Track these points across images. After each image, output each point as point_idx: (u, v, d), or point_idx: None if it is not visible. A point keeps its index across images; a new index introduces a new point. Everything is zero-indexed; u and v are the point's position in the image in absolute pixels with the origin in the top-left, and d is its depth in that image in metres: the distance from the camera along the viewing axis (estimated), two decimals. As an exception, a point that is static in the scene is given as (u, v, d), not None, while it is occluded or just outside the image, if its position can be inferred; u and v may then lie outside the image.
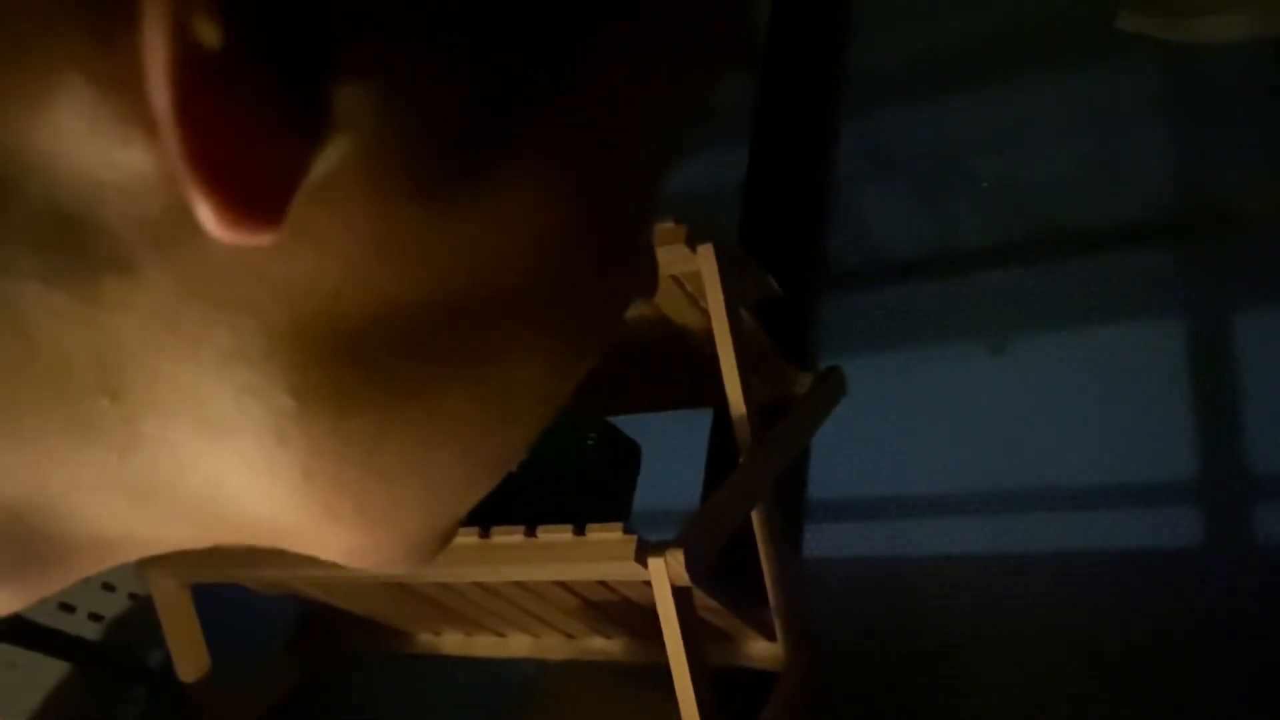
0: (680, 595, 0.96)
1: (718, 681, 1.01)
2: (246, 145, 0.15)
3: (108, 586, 1.49)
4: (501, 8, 0.18)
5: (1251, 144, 1.51)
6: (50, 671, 1.40)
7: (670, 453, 1.38)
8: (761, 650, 1.20)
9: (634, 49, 0.20)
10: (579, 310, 0.22)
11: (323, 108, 0.16)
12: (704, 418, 1.52)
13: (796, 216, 1.65)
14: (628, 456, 1.28)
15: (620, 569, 0.98)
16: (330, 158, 0.17)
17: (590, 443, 1.24)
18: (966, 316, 1.65)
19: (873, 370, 1.55)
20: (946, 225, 1.72)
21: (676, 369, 1.31)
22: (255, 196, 0.15)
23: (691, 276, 1.13)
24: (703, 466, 1.51)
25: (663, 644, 0.98)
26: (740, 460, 1.09)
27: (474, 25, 0.18)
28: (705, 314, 1.14)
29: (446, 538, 0.25)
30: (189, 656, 1.30)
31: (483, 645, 1.39)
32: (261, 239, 0.15)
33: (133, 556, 0.22)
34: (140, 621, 1.47)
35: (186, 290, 0.17)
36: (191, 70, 0.14)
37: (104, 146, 0.15)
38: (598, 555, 0.99)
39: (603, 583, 1.11)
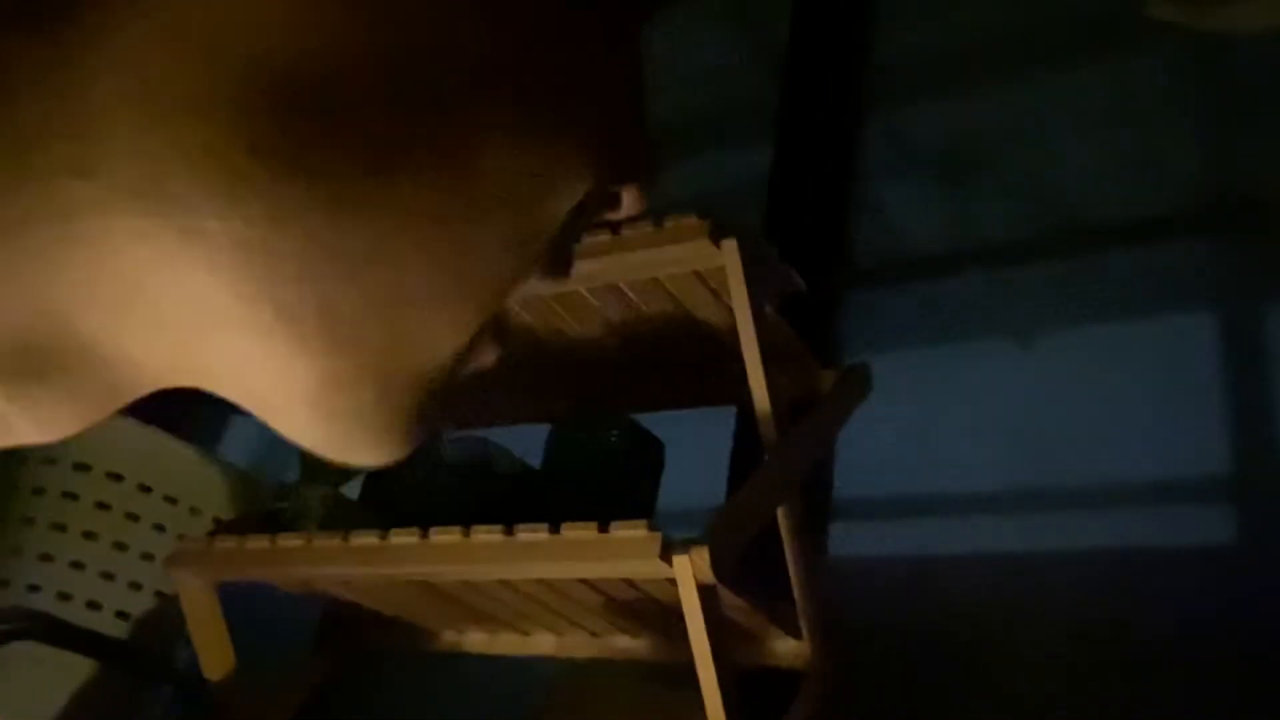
0: (705, 593, 0.95)
1: (743, 680, 1.01)
2: None
3: (134, 585, 1.50)
4: None
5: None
6: (77, 669, 1.40)
7: (694, 450, 1.37)
8: (787, 649, 1.19)
9: None
10: (559, 100, 0.20)
11: None
12: (728, 414, 1.51)
13: (821, 211, 1.64)
14: (651, 453, 1.27)
15: (645, 567, 0.98)
16: None
17: (614, 440, 1.23)
18: (993, 312, 1.63)
19: (899, 366, 1.54)
20: (972, 219, 1.70)
21: (700, 365, 1.31)
22: None
23: (715, 272, 1.12)
24: (727, 464, 1.50)
25: (687, 642, 0.97)
26: (765, 458, 1.08)
27: None
28: (729, 310, 1.13)
29: (424, 407, 0.23)
30: (214, 655, 1.30)
31: (506, 643, 1.39)
32: None
33: (133, 392, 0.21)
34: (167, 620, 1.48)
35: (154, 30, 0.17)
36: None
37: None
38: (622, 552, 0.99)
39: (627, 580, 1.10)
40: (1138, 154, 1.60)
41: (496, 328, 0.24)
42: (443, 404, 0.24)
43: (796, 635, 1.17)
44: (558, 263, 0.24)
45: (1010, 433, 1.54)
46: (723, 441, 1.51)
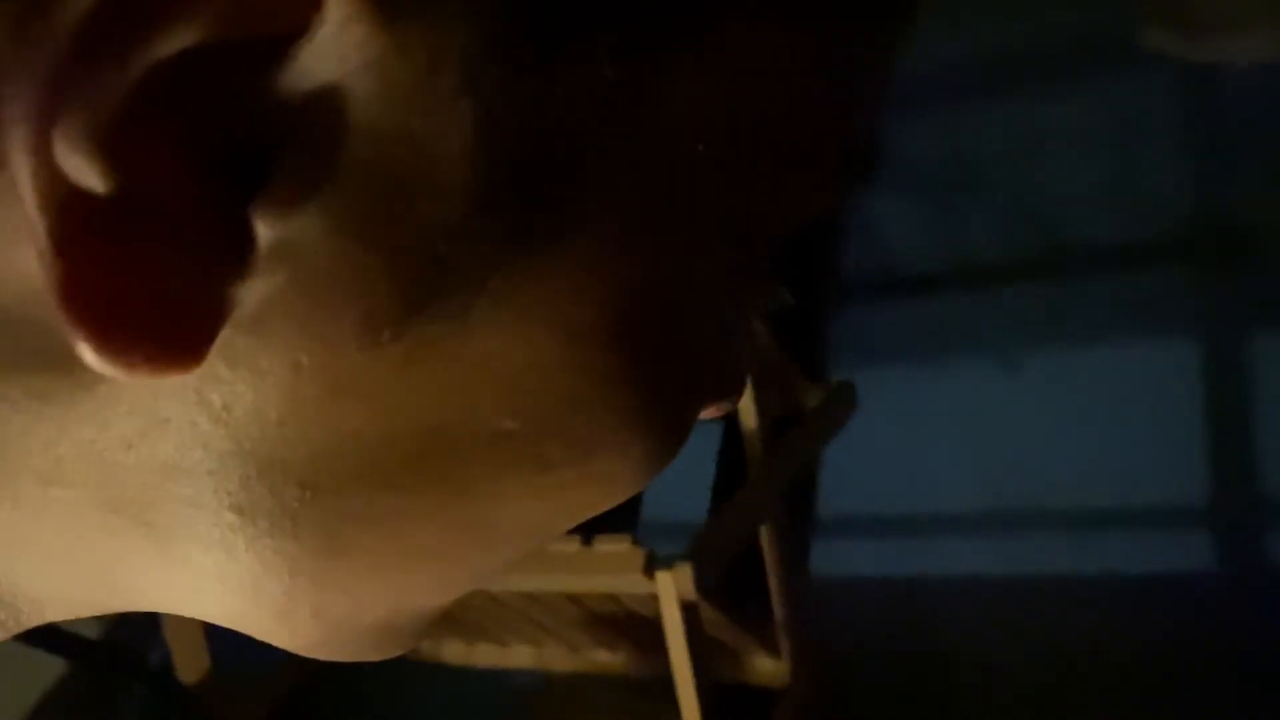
0: (687, 609, 0.95)
1: (721, 697, 1.00)
2: (149, 280, 0.14)
3: (109, 583, 1.48)
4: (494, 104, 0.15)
5: (1270, 166, 1.50)
6: (49, 668, 1.39)
7: (678, 462, 1.37)
8: (766, 666, 1.19)
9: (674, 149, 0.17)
10: (597, 450, 0.19)
11: (244, 240, 0.15)
12: (713, 427, 1.51)
13: (812, 226, 1.64)
14: None
15: (628, 582, 0.97)
16: (261, 290, 0.15)
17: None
18: (980, 332, 1.64)
19: (885, 384, 1.54)
20: (962, 239, 1.71)
21: (687, 379, 1.30)
22: (161, 332, 0.14)
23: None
24: (711, 476, 1.50)
25: (667, 658, 0.97)
26: (750, 473, 1.08)
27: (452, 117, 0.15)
28: (718, 325, 1.13)
29: (426, 626, 0.23)
30: (190, 657, 1.29)
31: (484, 654, 1.38)
32: (172, 373, 0.15)
33: (124, 608, 0.22)
34: (141, 620, 1.46)
35: (128, 402, 0.16)
36: (70, 214, 0.13)
37: (14, 255, 0.14)
38: (605, 567, 0.98)
39: (609, 594, 1.10)
40: (1127, 180, 1.61)
41: None
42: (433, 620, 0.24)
43: (776, 653, 1.17)
44: None
45: (994, 454, 1.54)
46: (707, 455, 1.50)
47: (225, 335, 0.15)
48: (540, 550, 1.01)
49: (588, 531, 1.01)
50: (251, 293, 0.15)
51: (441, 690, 1.53)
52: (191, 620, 1.30)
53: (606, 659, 1.30)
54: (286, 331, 0.16)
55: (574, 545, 1.00)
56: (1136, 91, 1.59)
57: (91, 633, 1.44)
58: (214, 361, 0.16)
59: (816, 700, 1.16)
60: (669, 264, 0.18)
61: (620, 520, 1.19)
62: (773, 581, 1.11)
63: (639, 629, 1.17)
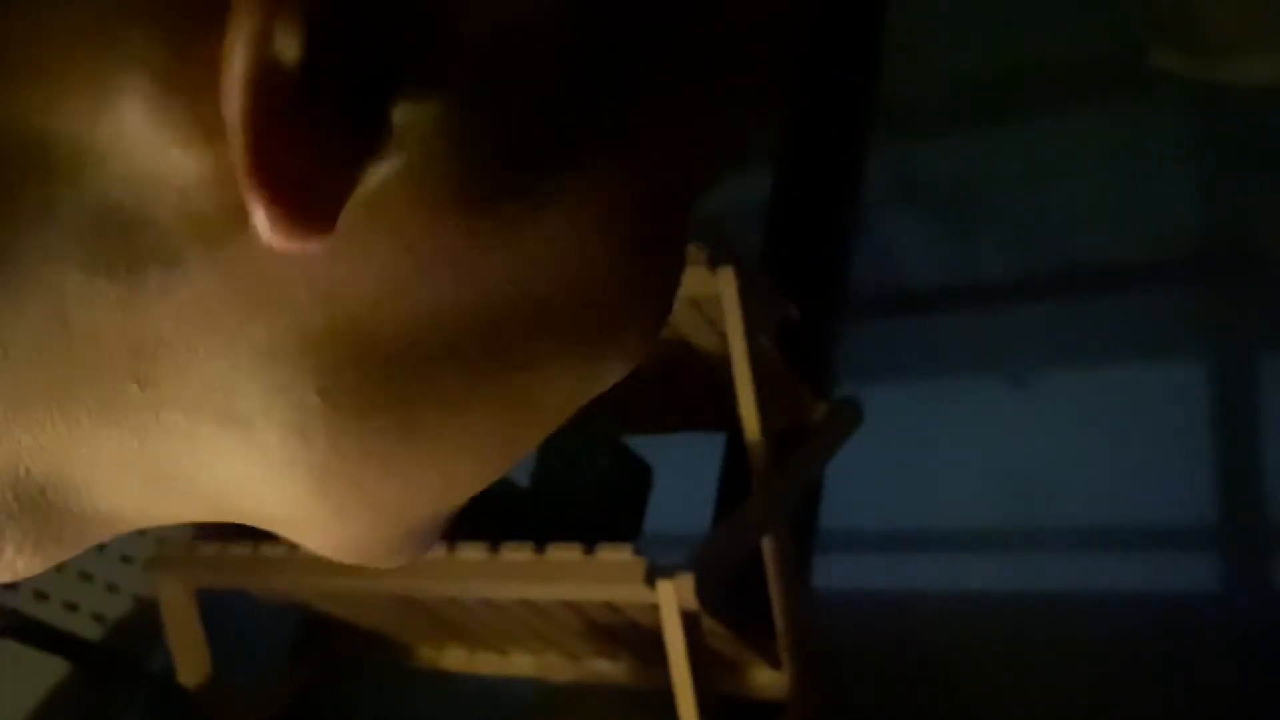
0: (688, 620, 0.95)
1: (721, 709, 1.00)
2: (308, 157, 0.16)
3: (111, 587, 1.48)
4: (571, 33, 0.18)
5: (1278, 187, 1.49)
6: (50, 670, 1.39)
7: (682, 475, 1.37)
8: (767, 679, 1.18)
9: (694, 78, 0.20)
10: (617, 326, 0.22)
11: (383, 123, 0.17)
12: (717, 441, 1.51)
13: (820, 242, 1.64)
14: (639, 477, 1.27)
15: (629, 591, 0.97)
16: (385, 170, 0.17)
17: (602, 462, 1.23)
18: (987, 350, 1.64)
19: (890, 400, 1.54)
20: (971, 258, 1.71)
21: (691, 391, 1.30)
22: (310, 206, 0.16)
23: (709, 299, 1.12)
24: (714, 490, 1.50)
25: (667, 669, 0.96)
26: (753, 487, 1.07)
27: (541, 49, 0.18)
28: (723, 337, 1.13)
29: (439, 533, 0.25)
30: (191, 661, 1.29)
31: (484, 662, 1.38)
32: (310, 246, 0.16)
33: (140, 526, 0.22)
34: (143, 624, 1.46)
35: (229, 287, 0.17)
36: (267, 83, 0.15)
37: (164, 146, 0.16)
38: (606, 576, 0.98)
39: (610, 604, 1.10)
40: (1137, 200, 1.60)
41: None
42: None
43: (776, 666, 1.16)
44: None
45: (998, 471, 1.54)
46: (711, 468, 1.50)
47: (344, 212, 0.17)
48: (541, 558, 1.01)
49: (589, 541, 1.00)
50: (376, 172, 0.17)
51: (441, 698, 1.53)
52: (192, 623, 1.30)
53: (606, 669, 1.30)
54: (399, 210, 0.18)
55: (575, 554, 1.00)
56: (1146, 112, 1.59)
57: (92, 635, 1.44)
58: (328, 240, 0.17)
59: (817, 714, 1.15)
60: (676, 187, 0.21)
61: (622, 530, 1.19)
62: (774, 594, 1.11)
63: (639, 639, 1.17)
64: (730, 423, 1.15)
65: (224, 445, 0.19)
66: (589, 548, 0.99)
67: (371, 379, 0.19)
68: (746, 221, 1.75)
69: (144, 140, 0.16)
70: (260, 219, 0.16)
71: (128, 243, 0.17)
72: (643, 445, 1.29)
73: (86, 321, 0.17)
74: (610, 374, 0.23)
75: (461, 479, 0.22)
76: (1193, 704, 1.27)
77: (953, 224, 1.73)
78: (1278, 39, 1.30)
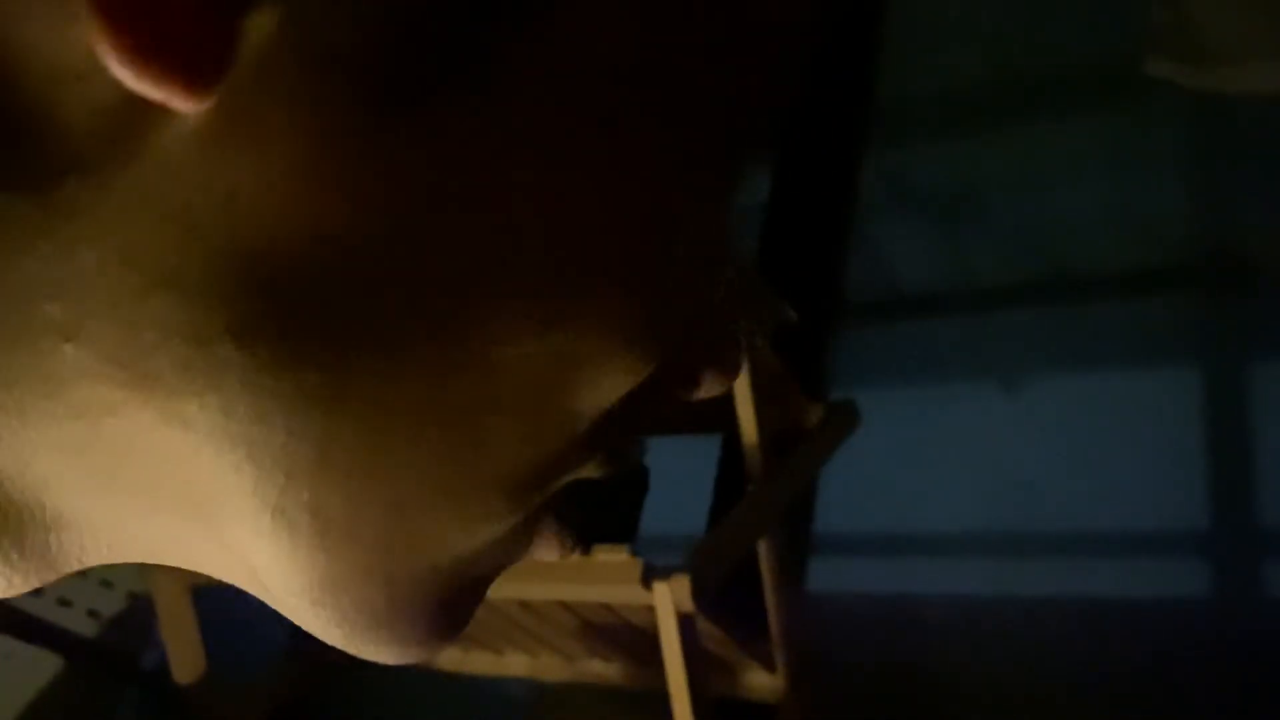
0: (684, 622, 0.95)
1: (716, 711, 1.00)
2: None
3: (106, 584, 1.48)
4: None
5: (1272, 196, 1.50)
6: (45, 666, 1.39)
7: (678, 477, 1.37)
8: (761, 682, 1.18)
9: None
10: (598, 285, 0.18)
11: None
12: (714, 443, 1.51)
13: (817, 245, 1.64)
14: (635, 478, 1.27)
15: (624, 592, 0.97)
16: (270, 27, 0.15)
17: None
18: (982, 355, 1.64)
19: (885, 403, 1.54)
20: (965, 262, 1.72)
21: (688, 393, 1.31)
22: (174, 35, 0.14)
23: (709, 301, 1.12)
24: (710, 492, 1.50)
25: (662, 670, 0.97)
26: (749, 489, 1.08)
27: None
28: (721, 340, 1.13)
29: (448, 604, 0.21)
30: (186, 659, 1.29)
31: (479, 662, 1.38)
32: (188, 95, 0.14)
33: (117, 555, 0.20)
34: (137, 621, 1.46)
35: (137, 197, 0.16)
36: None
37: (57, 22, 0.14)
38: (602, 576, 0.98)
39: (605, 605, 1.10)
40: (1130, 207, 1.61)
41: (556, 511, 0.22)
42: (478, 597, 0.22)
43: (771, 669, 1.17)
44: (617, 450, 0.22)
45: (992, 475, 1.55)
46: (707, 470, 1.51)
47: (231, 85, 0.15)
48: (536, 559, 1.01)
49: (585, 541, 1.01)
50: (257, 30, 0.15)
51: (436, 697, 1.53)
52: (187, 620, 1.30)
53: (601, 670, 1.30)
54: (287, 86, 0.15)
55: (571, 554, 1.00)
56: (1140, 120, 1.59)
57: (87, 632, 1.44)
58: (221, 127, 0.15)
59: (812, 716, 1.15)
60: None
61: (618, 531, 1.19)
62: (769, 596, 1.11)
63: (635, 640, 1.17)
64: (727, 424, 1.16)
65: (150, 422, 0.17)
66: (585, 548, 0.99)
67: (286, 317, 0.17)
68: (743, 224, 1.75)
69: (38, 18, 0.14)
70: (104, 38, 0.14)
71: (45, 152, 0.15)
72: (639, 446, 1.29)
73: (16, 256, 0.16)
74: (604, 366, 0.19)
75: (417, 497, 0.19)
76: (1182, 711, 1.27)
77: (948, 229, 1.74)
78: (1272, 48, 1.31)
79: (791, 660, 1.15)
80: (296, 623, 0.21)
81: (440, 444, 0.18)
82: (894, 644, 1.42)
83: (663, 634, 0.95)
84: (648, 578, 0.95)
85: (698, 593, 0.94)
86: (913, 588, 1.52)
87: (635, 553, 0.98)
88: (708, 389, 0.23)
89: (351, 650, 0.21)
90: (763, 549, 1.10)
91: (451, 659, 1.40)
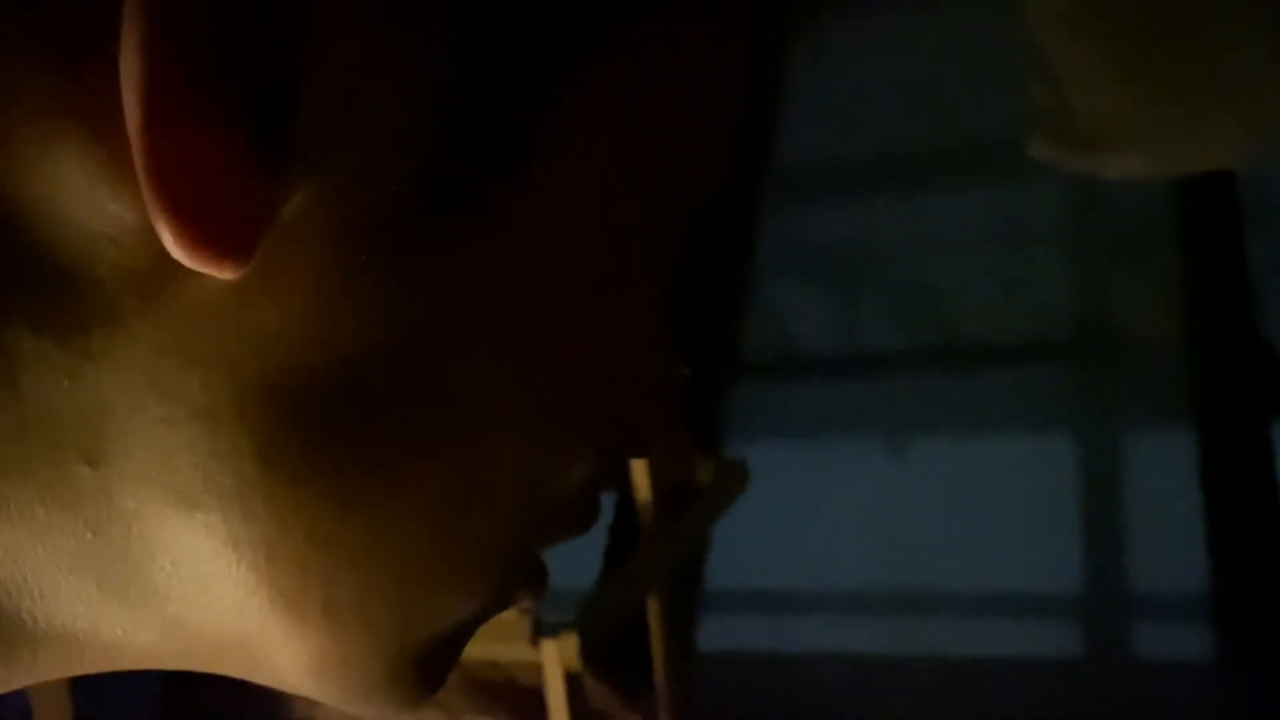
0: (571, 680, 0.94)
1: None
2: (214, 171, 0.15)
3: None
4: (470, 53, 0.17)
5: (1147, 272, 1.58)
6: None
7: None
8: (647, 740, 1.18)
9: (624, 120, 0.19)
10: (573, 393, 0.20)
11: (288, 139, 0.16)
12: (606, 498, 1.51)
13: (714, 304, 1.67)
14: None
15: (512, 650, 0.97)
16: (297, 199, 0.17)
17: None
18: (872, 417, 1.68)
19: (776, 461, 1.56)
20: (856, 325, 1.76)
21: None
22: (221, 222, 0.16)
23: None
24: (602, 545, 1.50)
25: (548, 729, 0.96)
26: (639, 545, 1.08)
27: (446, 71, 0.17)
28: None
29: (440, 666, 0.22)
30: (52, 713, 1.23)
31: (361, 717, 1.35)
32: (229, 268, 0.16)
33: (99, 665, 0.21)
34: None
35: (166, 342, 0.17)
36: (160, 82, 0.15)
37: (96, 196, 0.16)
38: (490, 633, 0.97)
39: (493, 662, 1.09)
40: (1015, 278, 1.68)
41: (528, 568, 0.24)
42: (459, 651, 0.24)
43: (657, 726, 1.16)
44: (579, 514, 0.24)
45: (879, 536, 1.57)
46: (599, 525, 1.51)
47: (264, 244, 0.16)
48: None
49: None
50: (292, 203, 0.17)
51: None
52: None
53: (486, 728, 1.28)
54: (315, 239, 0.17)
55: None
56: (1026, 194, 1.66)
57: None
58: (250, 281, 0.17)
59: (695, 776, 1.15)
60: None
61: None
62: (658, 654, 1.11)
63: (521, 698, 1.16)
64: (619, 480, 1.16)
65: (171, 529, 0.18)
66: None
67: (308, 440, 0.18)
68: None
69: (78, 191, 0.16)
70: (164, 230, 0.15)
71: (75, 304, 0.17)
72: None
73: (39, 391, 0.17)
74: (578, 447, 0.21)
75: (424, 577, 0.20)
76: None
77: (842, 293, 1.78)
78: (1148, 135, 1.37)
79: (677, 718, 1.15)
80: (291, 691, 0.22)
81: (439, 534, 0.20)
82: (780, 701, 1.43)
83: (550, 693, 0.94)
84: (536, 635, 0.94)
85: (587, 651, 0.93)
86: (800, 645, 1.53)
87: (524, 609, 0.97)
88: (653, 447, 0.26)
89: (346, 709, 0.22)
90: (652, 606, 1.10)
91: (332, 715, 1.36)
